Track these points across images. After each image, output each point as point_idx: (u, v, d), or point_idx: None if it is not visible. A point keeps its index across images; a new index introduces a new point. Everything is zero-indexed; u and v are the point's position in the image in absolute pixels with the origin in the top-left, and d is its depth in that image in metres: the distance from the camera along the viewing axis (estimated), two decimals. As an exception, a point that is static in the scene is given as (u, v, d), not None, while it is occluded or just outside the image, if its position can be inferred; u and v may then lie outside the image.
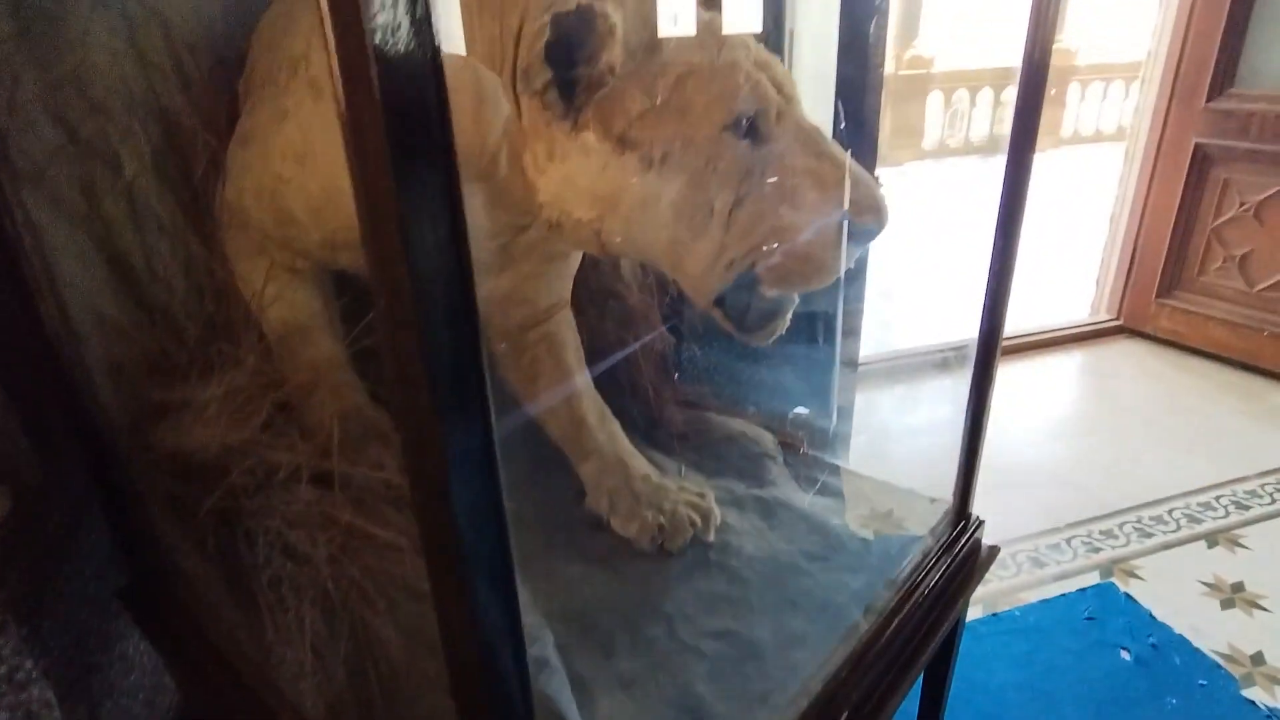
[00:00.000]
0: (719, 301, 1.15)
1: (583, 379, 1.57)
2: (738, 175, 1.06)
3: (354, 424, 1.50)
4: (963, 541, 1.62)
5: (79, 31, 1.36)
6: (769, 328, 1.19)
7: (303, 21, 1.29)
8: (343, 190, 1.25)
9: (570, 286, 1.63)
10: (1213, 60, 3.96)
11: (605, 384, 1.75)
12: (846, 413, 3.13)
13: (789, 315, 1.22)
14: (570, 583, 1.34)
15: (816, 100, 2.61)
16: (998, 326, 1.52)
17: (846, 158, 1.08)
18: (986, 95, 10.05)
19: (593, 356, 1.70)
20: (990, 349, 1.55)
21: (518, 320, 1.59)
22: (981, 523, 1.69)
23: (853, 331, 3.04)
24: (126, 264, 1.51)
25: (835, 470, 1.81)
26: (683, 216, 1.06)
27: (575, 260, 1.58)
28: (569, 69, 0.97)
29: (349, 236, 1.33)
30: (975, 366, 1.61)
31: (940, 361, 4.31)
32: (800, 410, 3.10)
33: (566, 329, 1.61)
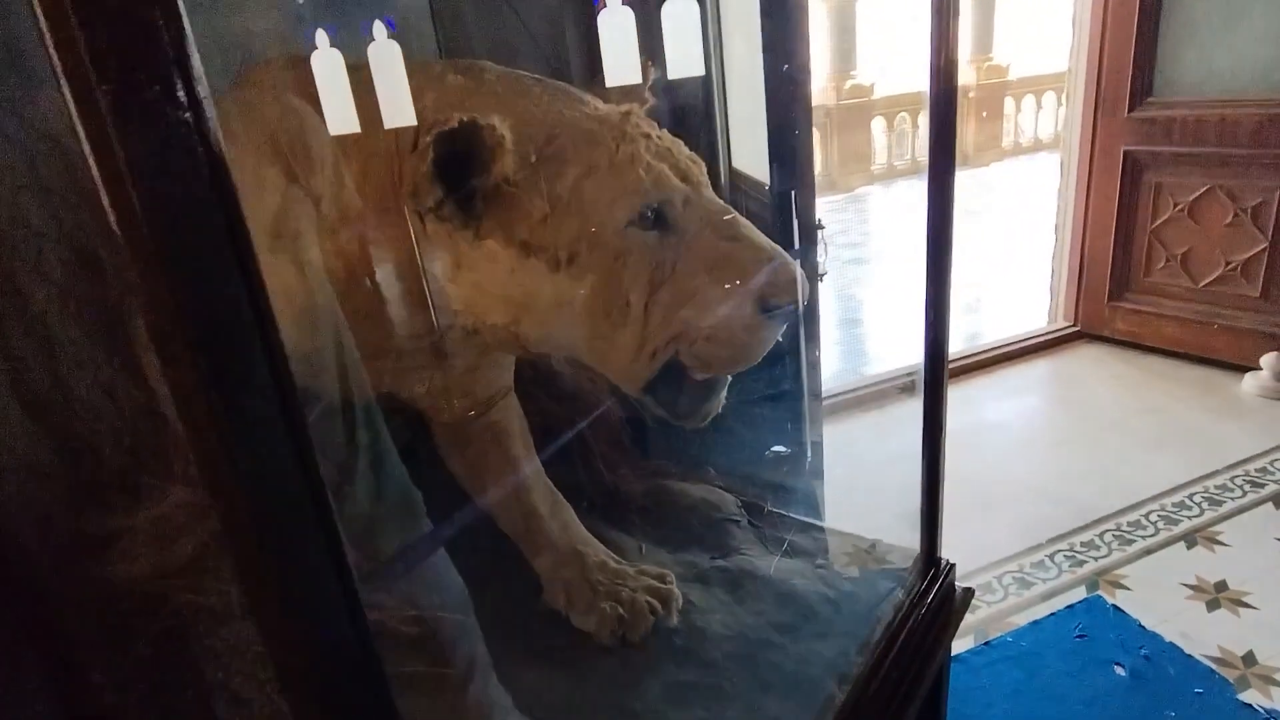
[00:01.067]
0: (649, 389, 1.13)
1: (531, 468, 1.53)
2: (649, 267, 1.04)
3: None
4: (935, 590, 1.59)
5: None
6: (703, 410, 1.17)
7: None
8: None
9: (511, 372, 1.60)
10: (1129, 74, 4.10)
11: (558, 463, 1.71)
12: (815, 448, 3.10)
13: (723, 394, 1.20)
14: (531, 689, 1.28)
15: (754, 140, 2.64)
16: (940, 354, 1.52)
17: (758, 237, 1.08)
18: (926, 117, 10.31)
19: (542, 438, 1.66)
20: (936, 381, 1.54)
21: (459, 413, 1.55)
22: (952, 566, 1.66)
23: (813, 364, 3.03)
24: (42, 399, 1.45)
25: (802, 527, 1.78)
26: (599, 313, 1.05)
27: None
28: (463, 182, 0.95)
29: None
30: (925, 402, 1.60)
31: (907, 385, 4.33)
32: (779, 449, 3.07)
33: (511, 416, 1.58)
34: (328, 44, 0.99)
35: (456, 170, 0.94)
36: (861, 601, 1.49)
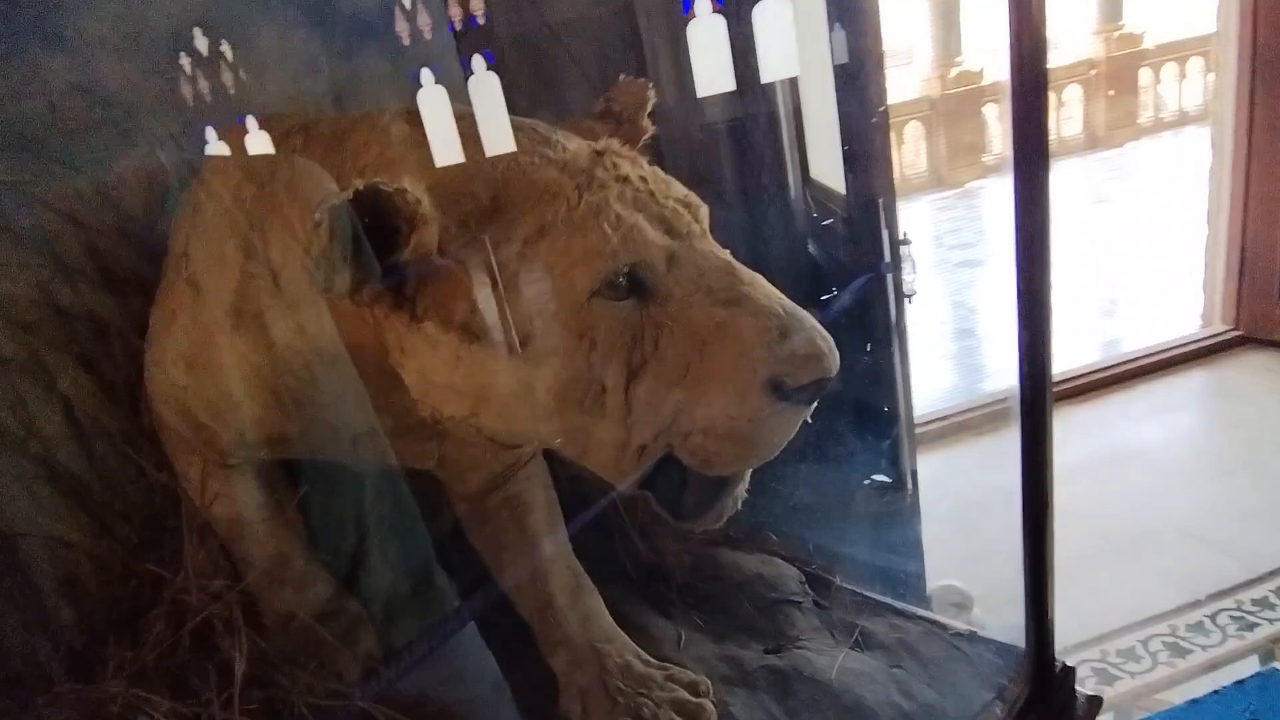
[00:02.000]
0: (646, 485, 0.94)
1: (553, 546, 1.38)
2: (625, 346, 0.85)
3: (293, 638, 1.35)
4: (1046, 700, 1.30)
5: (-10, 256, 1.33)
6: (713, 511, 0.96)
7: (186, 213, 1.21)
8: (234, 395, 1.13)
9: (536, 436, 1.45)
10: (1292, 33, 3.49)
11: (587, 536, 1.54)
12: (908, 483, 2.78)
13: (741, 490, 0.99)
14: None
15: (829, 146, 2.39)
16: (1040, 382, 1.25)
17: (767, 297, 0.86)
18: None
19: (571, 506, 1.50)
20: (1036, 418, 1.28)
21: (474, 488, 1.42)
22: (1070, 671, 1.36)
23: (904, 389, 2.73)
24: (72, 478, 1.44)
25: (879, 609, 1.52)
26: (569, 404, 0.87)
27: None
28: (381, 258, 0.80)
29: (259, 434, 1.21)
30: (1022, 443, 1.34)
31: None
32: (878, 478, 2.78)
33: (534, 488, 1.43)
34: (432, 81, 0.90)
35: (373, 242, 0.79)
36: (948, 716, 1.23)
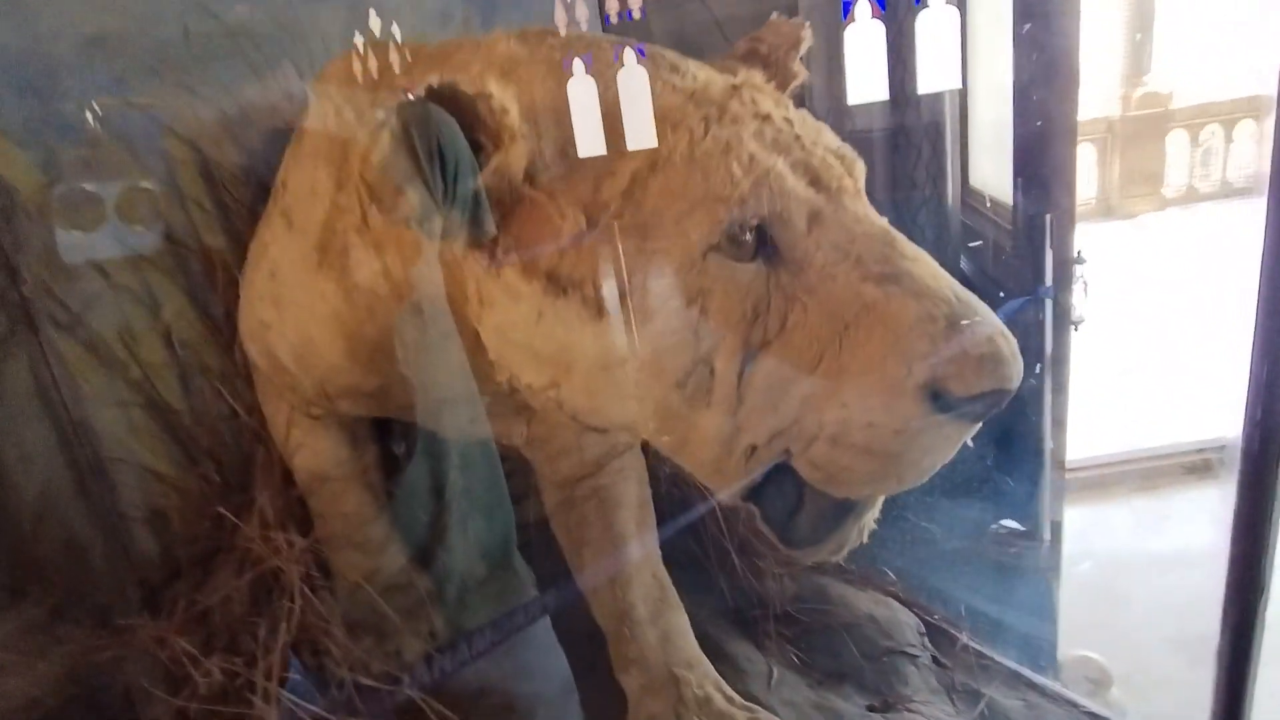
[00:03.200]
0: (752, 497, 0.76)
1: (640, 551, 1.23)
2: (743, 318, 0.68)
3: (357, 606, 1.27)
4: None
5: (113, 174, 1.32)
6: (831, 541, 0.77)
7: (291, 143, 1.14)
8: (314, 340, 1.05)
9: (636, 425, 1.31)
10: None
11: (686, 543, 1.38)
12: (1052, 534, 2.46)
13: (867, 521, 0.79)
14: None
15: (999, 154, 2.14)
16: (1273, 431, 1.00)
17: (937, 279, 0.67)
18: (1247, 128, 8.41)
19: (666, 512, 1.35)
20: (1261, 476, 1.02)
21: (565, 472, 1.29)
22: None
23: (1059, 423, 2.41)
24: (167, 409, 1.43)
25: (1010, 678, 1.28)
26: (667, 384, 0.70)
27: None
28: (457, 182, 0.66)
29: (338, 384, 1.12)
30: (1238, 509, 1.08)
31: (1196, 465, 3.36)
32: (1009, 524, 2.46)
33: (626, 483, 1.28)
34: (583, 71, 0.80)
35: (452, 164, 0.65)
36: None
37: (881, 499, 0.79)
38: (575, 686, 1.32)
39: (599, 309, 0.69)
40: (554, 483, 1.31)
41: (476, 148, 0.66)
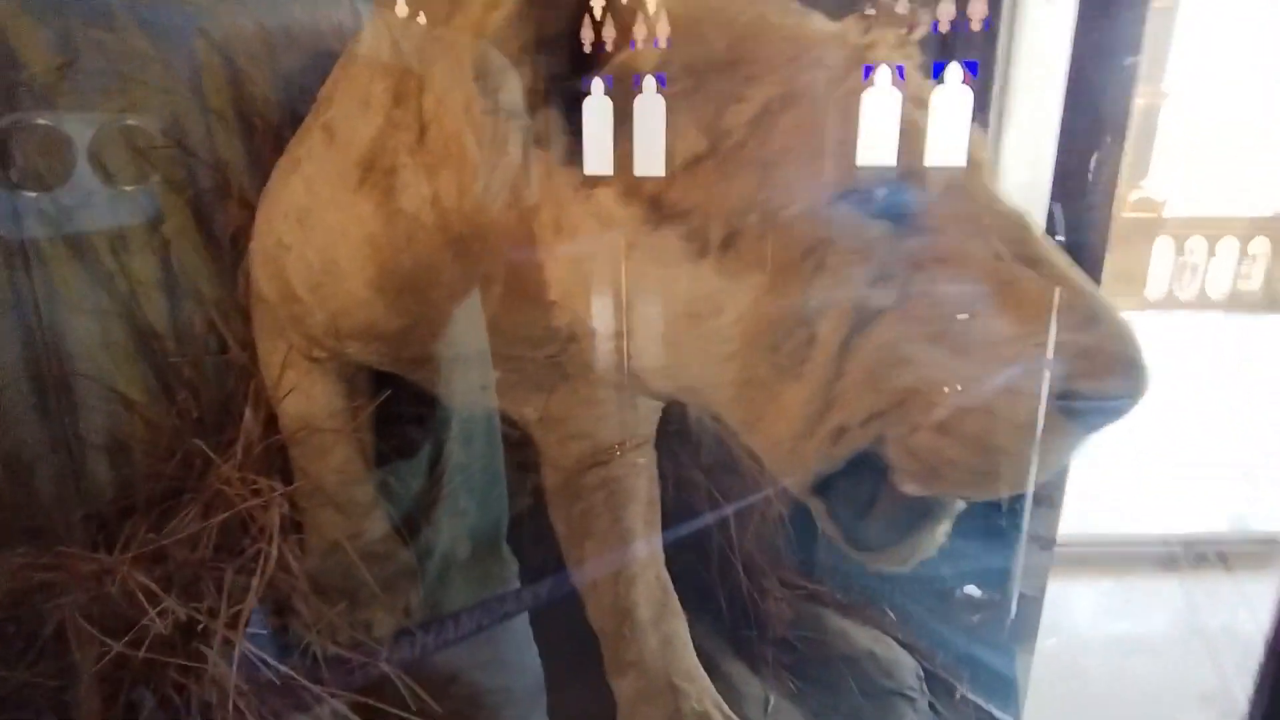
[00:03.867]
0: (821, 489, 0.69)
1: (645, 550, 1.14)
2: (862, 280, 0.62)
3: (330, 570, 1.16)
4: None
5: (134, 68, 1.22)
6: (901, 548, 0.70)
7: (340, 61, 1.06)
8: (340, 265, 0.96)
9: (652, 421, 1.23)
10: None
11: (686, 552, 1.30)
12: (1031, 607, 2.41)
13: (942, 531, 0.72)
14: None
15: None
16: None
17: (1070, 267, 0.61)
18: (1229, 245, 8.71)
19: (674, 511, 1.27)
20: None
21: (574, 457, 1.20)
22: None
23: (1047, 500, 2.36)
24: (150, 331, 1.32)
25: (1011, 736, 1.21)
26: (759, 344, 0.63)
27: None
28: (579, 74, 0.59)
29: (354, 321, 1.03)
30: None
31: (1170, 558, 3.36)
32: (972, 591, 2.41)
33: (638, 477, 1.20)
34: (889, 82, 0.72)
35: (563, 55, 0.58)
36: None
37: (958, 508, 0.72)
38: (545, 688, 1.23)
39: (703, 246, 0.62)
40: (561, 468, 1.22)
41: (596, 44, 0.59)
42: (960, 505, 0.72)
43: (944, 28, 0.63)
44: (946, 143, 0.80)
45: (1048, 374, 0.58)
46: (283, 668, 0.86)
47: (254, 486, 1.09)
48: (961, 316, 0.60)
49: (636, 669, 1.03)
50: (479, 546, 1.37)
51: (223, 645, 0.92)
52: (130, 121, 1.22)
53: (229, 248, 1.31)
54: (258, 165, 1.30)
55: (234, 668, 0.86)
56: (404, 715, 0.95)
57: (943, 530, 0.72)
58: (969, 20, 0.62)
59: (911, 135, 0.63)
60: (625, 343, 0.69)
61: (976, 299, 0.60)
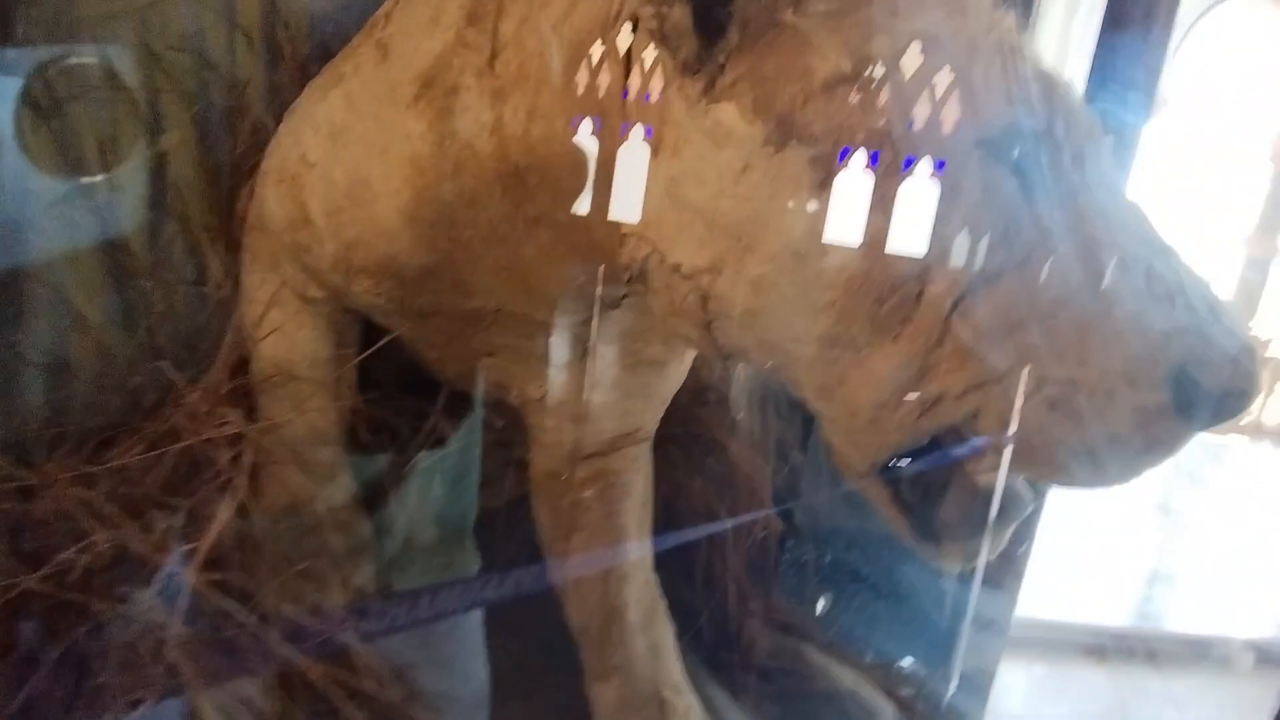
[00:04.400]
0: (888, 472, 0.64)
1: (638, 552, 1.06)
2: (989, 237, 0.58)
3: (282, 533, 1.05)
4: None
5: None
6: (969, 544, 0.65)
7: None
8: (371, 186, 0.88)
9: (657, 416, 1.16)
10: None
11: (670, 569, 1.22)
12: (977, 690, 2.36)
13: (1006, 536, 0.68)
14: None
15: None
16: None
17: (1181, 262, 0.59)
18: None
19: (662, 521, 1.19)
20: None
21: (572, 443, 1.12)
22: None
23: (1002, 584, 2.34)
24: (124, 249, 1.20)
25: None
26: (864, 295, 0.59)
27: (671, 377, 1.12)
28: None
29: (372, 252, 0.94)
30: None
31: (1099, 649, 3.38)
32: (908, 662, 2.36)
33: (636, 473, 1.13)
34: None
35: None
36: None
37: (1026, 511, 0.67)
38: (487, 701, 1.12)
39: (826, 176, 0.57)
40: (555, 455, 1.14)
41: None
42: (1028, 509, 0.67)
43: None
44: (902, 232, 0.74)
45: (1176, 359, 0.54)
46: (247, 620, 0.75)
47: (223, 421, 0.97)
48: (1084, 292, 0.56)
49: (622, 674, 0.94)
50: (444, 534, 1.27)
51: (162, 589, 0.81)
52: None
53: (230, 173, 1.22)
54: (277, 92, 1.22)
55: (175, 612, 0.75)
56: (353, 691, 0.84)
57: (1008, 532, 0.67)
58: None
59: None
60: (710, 280, 0.63)
61: (1097, 278, 0.56)
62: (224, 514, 0.83)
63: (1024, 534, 2.33)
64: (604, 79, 0.65)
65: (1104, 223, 0.58)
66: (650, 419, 1.14)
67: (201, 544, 0.79)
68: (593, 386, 1.09)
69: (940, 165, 0.56)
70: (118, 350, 1.21)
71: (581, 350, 1.05)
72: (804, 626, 1.32)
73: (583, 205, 0.73)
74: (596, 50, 0.65)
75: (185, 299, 1.24)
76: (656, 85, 0.62)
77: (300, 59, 1.25)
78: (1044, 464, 0.60)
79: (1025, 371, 0.56)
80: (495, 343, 1.08)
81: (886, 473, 0.65)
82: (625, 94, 0.65)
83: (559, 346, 1.05)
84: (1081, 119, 0.62)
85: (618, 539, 1.06)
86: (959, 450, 0.60)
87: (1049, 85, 0.60)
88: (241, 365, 1.19)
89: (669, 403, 1.17)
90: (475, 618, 1.21)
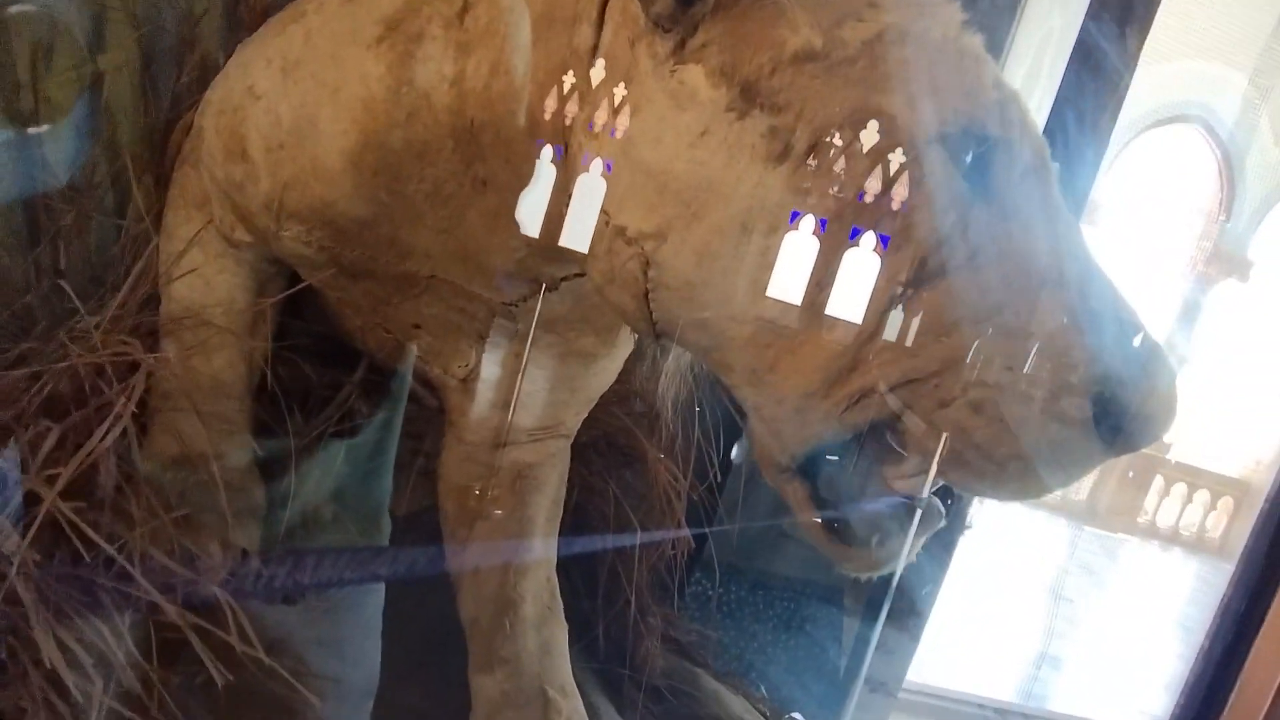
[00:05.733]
0: (806, 470, 0.63)
1: (543, 549, 1.03)
2: (935, 233, 0.59)
3: (173, 482, 0.98)
4: None
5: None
6: (880, 549, 0.65)
7: None
8: (317, 126, 0.85)
9: (580, 414, 1.14)
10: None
11: (573, 574, 1.19)
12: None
13: (920, 543, 0.68)
14: None
15: None
16: None
17: (1115, 288, 0.61)
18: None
19: (572, 525, 1.16)
20: None
21: (489, 430, 1.09)
22: None
23: (896, 650, 2.36)
24: (41, 164, 1.12)
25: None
26: (806, 276, 0.59)
27: (600, 374, 1.10)
28: None
29: (302, 199, 0.90)
30: None
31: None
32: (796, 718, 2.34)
33: (551, 471, 1.10)
34: None
35: None
36: None
37: (940, 525, 0.68)
38: (375, 689, 1.06)
39: (784, 150, 0.57)
40: (469, 441, 1.10)
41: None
42: (940, 523, 0.67)
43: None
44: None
45: (1100, 373, 0.56)
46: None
47: (121, 346, 0.91)
48: (1007, 297, 0.58)
49: (509, 668, 0.90)
50: (354, 514, 1.20)
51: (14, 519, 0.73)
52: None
53: (170, 105, 1.16)
54: (234, 30, 1.18)
55: (26, 536, 0.68)
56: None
57: (922, 542, 0.67)
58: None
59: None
60: (655, 246, 0.62)
61: (1045, 283, 0.58)
62: (97, 439, 0.76)
63: (923, 603, 2.35)
64: (576, 38, 0.65)
65: (1047, 238, 0.60)
66: (573, 415, 1.12)
67: (68, 468, 0.72)
68: (520, 372, 1.07)
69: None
70: (13, 272, 1.13)
71: (513, 332, 1.02)
72: (700, 651, 1.30)
73: (535, 169, 0.72)
74: (568, 8, 0.64)
75: (99, 228, 1.16)
76: (625, 43, 0.62)
77: (260, 10, 1.21)
78: (961, 468, 0.61)
79: (958, 371, 0.57)
80: (424, 313, 1.04)
81: (804, 471, 0.64)
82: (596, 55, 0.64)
83: (489, 326, 1.03)
84: (1036, 139, 0.65)
85: (522, 532, 1.03)
86: (880, 451, 0.60)
87: (1009, 99, 0.62)
88: (149, 303, 1.12)
89: (594, 404, 1.16)
90: (376, 602, 1.15)
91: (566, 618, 1.08)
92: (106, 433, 0.77)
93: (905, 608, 2.22)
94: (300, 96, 0.86)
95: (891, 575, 0.70)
